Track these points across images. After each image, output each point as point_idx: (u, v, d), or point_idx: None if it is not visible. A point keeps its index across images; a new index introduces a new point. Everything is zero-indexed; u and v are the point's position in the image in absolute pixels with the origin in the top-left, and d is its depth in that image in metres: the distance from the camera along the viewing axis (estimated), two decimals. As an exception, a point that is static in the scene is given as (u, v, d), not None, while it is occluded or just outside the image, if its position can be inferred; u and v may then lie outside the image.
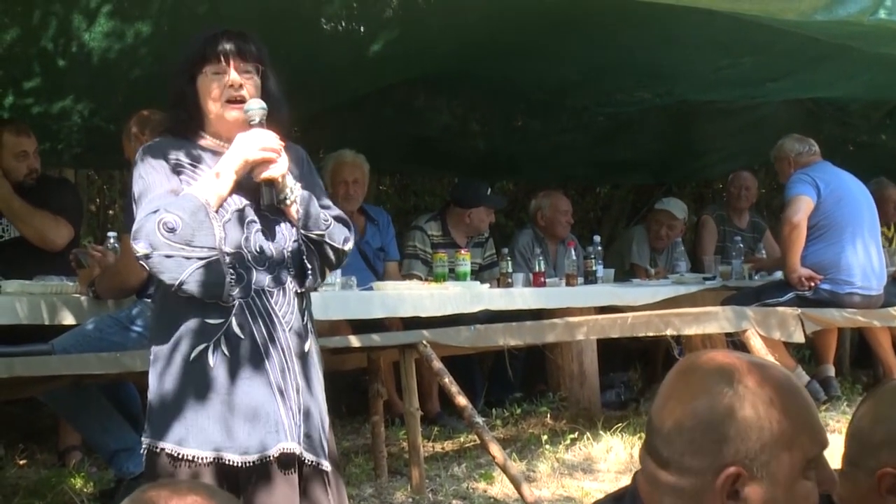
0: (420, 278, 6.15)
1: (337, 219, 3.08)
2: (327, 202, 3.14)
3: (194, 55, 3.03)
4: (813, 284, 6.21)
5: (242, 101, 2.98)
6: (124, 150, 4.62)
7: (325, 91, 5.59)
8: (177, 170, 2.97)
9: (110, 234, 4.69)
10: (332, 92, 5.57)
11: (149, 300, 4.15)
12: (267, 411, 2.89)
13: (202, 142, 3.07)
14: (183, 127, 3.07)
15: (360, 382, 5.01)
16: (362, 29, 5.28)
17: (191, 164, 3.00)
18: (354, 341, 4.68)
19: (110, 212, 7.86)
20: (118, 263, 4.25)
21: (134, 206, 2.98)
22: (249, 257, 2.95)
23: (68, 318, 4.23)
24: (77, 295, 4.34)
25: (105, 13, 4.53)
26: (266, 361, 2.92)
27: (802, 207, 6.20)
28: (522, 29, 5.30)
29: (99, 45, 4.72)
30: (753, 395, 1.56)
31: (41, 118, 5.27)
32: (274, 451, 2.88)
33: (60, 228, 5.02)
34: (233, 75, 2.97)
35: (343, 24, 5.20)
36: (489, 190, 6.75)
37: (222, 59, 2.98)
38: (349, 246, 3.11)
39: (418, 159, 8.01)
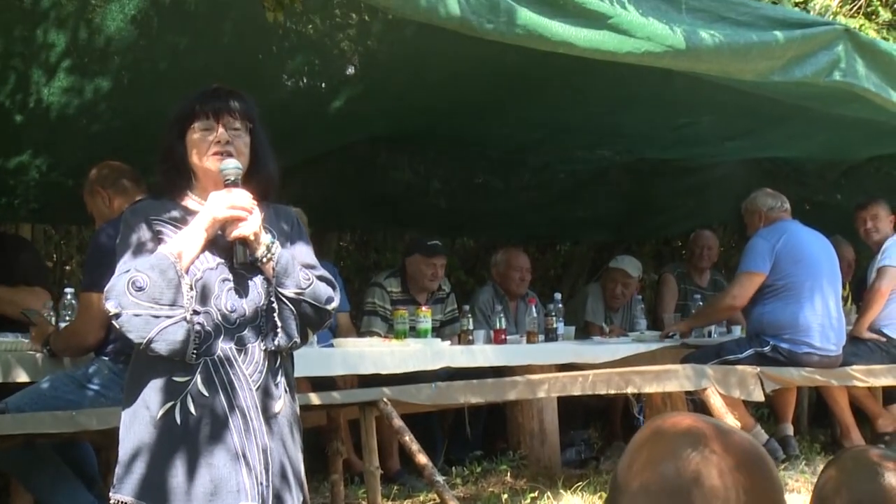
0: (380, 335, 6.10)
1: (321, 278, 3.08)
2: (313, 262, 3.14)
3: (185, 112, 3.04)
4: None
5: (230, 155, 2.99)
6: (86, 205, 4.58)
7: (286, 147, 5.58)
8: (158, 231, 2.97)
9: (67, 290, 4.63)
10: (294, 148, 5.56)
11: (106, 358, 4.10)
12: (229, 471, 2.87)
13: (186, 202, 3.07)
14: (170, 185, 3.08)
15: (319, 440, 4.95)
16: (323, 85, 5.29)
17: (173, 226, 3.00)
18: (314, 398, 4.63)
19: (67, 267, 7.77)
20: (75, 321, 4.19)
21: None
22: (219, 315, 2.93)
23: (22, 376, 4.16)
24: (32, 352, 4.27)
25: (65, 68, 4.50)
26: (230, 420, 2.90)
27: (749, 291, 6.28)
28: (484, 89, 5.34)
29: (58, 100, 4.69)
30: (719, 459, 1.56)
31: (-3, 173, 5.22)
32: (234, 513, 2.85)
33: (41, 298, 4.94)
34: (220, 131, 2.99)
35: (304, 80, 5.21)
36: (431, 242, 6.67)
37: (211, 115, 3.00)
38: (332, 306, 3.10)
39: (380, 216, 8.00)
